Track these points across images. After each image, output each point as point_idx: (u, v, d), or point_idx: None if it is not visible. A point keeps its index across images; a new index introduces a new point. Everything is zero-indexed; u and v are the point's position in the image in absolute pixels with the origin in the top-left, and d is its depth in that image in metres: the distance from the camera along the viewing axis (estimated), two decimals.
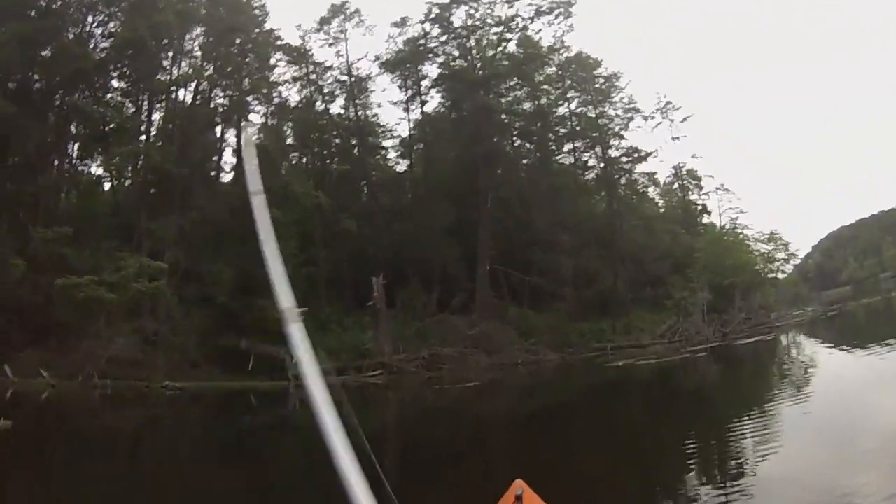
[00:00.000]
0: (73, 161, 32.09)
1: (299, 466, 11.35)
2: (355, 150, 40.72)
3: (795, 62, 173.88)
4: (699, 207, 53.60)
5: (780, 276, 58.50)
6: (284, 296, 2.69)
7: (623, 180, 46.28)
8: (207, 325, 28.00)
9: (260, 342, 26.86)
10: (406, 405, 23.44)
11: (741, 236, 49.86)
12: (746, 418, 10.62)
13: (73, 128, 30.76)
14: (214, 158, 36.72)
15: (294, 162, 40.65)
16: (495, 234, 36.59)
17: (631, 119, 46.10)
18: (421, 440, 13.64)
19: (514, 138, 43.69)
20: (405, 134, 42.74)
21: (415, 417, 19.70)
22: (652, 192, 52.94)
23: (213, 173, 36.67)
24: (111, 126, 30.76)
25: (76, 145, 31.76)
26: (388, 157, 43.62)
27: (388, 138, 42.99)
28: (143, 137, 32.07)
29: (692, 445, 9.14)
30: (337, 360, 28.98)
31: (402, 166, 43.41)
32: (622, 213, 42.05)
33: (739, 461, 7.80)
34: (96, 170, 33.82)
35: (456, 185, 38.11)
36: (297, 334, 2.56)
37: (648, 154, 46.06)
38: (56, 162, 29.77)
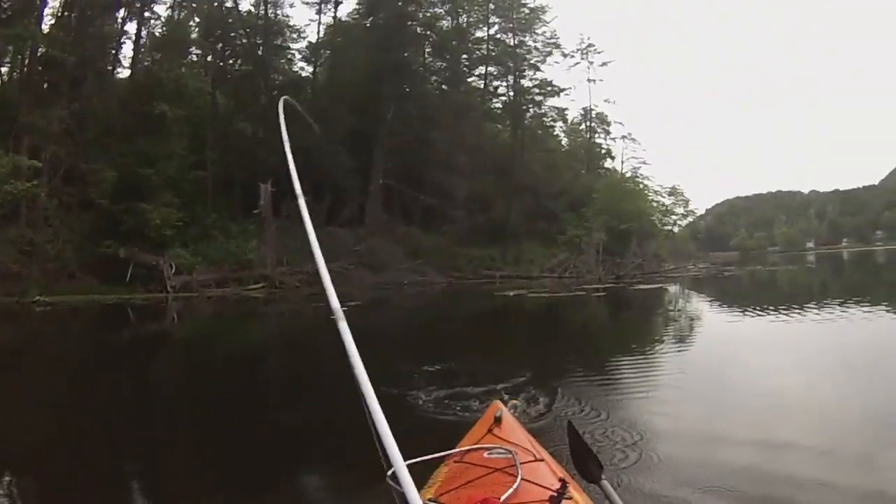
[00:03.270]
0: None
1: (179, 381, 10.91)
2: (259, 51, 38.38)
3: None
4: (603, 151, 54.87)
5: (675, 230, 61.05)
6: (333, 298, 2.48)
7: (531, 112, 45.88)
8: (86, 230, 26.38)
9: (140, 251, 25.85)
10: (286, 320, 22.84)
11: (642, 185, 51.24)
12: (629, 360, 10.64)
13: None
14: (112, 51, 34.14)
15: (196, 59, 38.44)
16: (393, 149, 35.81)
17: (549, 54, 45.61)
18: (297, 361, 13.05)
19: (427, 55, 42.31)
20: (314, 38, 40.73)
21: (295, 334, 18.93)
22: (559, 129, 53.12)
23: (109, 67, 33.99)
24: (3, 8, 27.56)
25: None
26: (294, 60, 41.41)
27: (296, 41, 40.72)
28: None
29: (575, 378, 8.94)
30: (218, 270, 28.23)
31: (306, 72, 41.53)
32: (525, 144, 41.85)
33: (617, 399, 7.74)
34: None
35: (359, 95, 36.67)
36: (346, 333, 2.34)
37: (562, 90, 45.97)
38: None
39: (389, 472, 2.46)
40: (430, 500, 2.65)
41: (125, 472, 5.73)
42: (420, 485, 2.90)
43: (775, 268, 48.33)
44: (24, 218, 24.70)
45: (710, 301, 24.30)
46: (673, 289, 29.84)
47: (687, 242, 72.19)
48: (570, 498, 2.42)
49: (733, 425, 6.21)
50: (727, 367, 9.61)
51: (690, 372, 9.19)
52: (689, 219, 67.60)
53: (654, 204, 52.92)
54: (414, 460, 2.90)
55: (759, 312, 17.31)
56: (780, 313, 15.90)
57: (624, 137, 53.08)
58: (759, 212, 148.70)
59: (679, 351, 11.77)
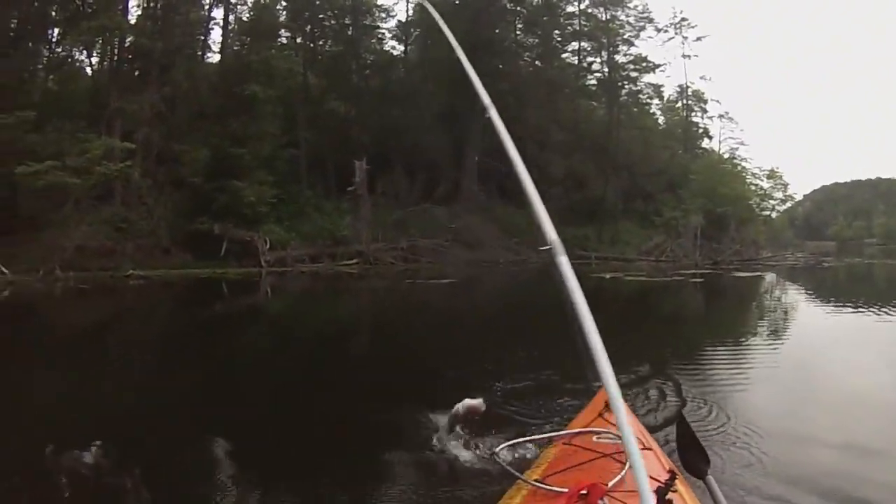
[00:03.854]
0: (53, 47, 29.73)
1: (270, 355, 10.82)
2: (349, 31, 38.30)
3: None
4: (701, 130, 52.45)
5: (773, 215, 58.14)
6: (550, 228, 2.33)
7: (626, 88, 43.93)
8: (180, 208, 26.74)
9: (234, 227, 25.97)
10: (379, 296, 22.42)
11: (739, 168, 48.97)
12: (724, 351, 10.51)
13: (53, 11, 28.37)
14: (200, 37, 34.54)
15: (285, 41, 38.44)
16: (487, 125, 34.55)
17: (643, 28, 43.63)
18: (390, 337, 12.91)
19: (518, 31, 41.20)
20: (403, 17, 40.37)
21: (389, 310, 18.77)
22: (655, 107, 50.85)
23: (198, 53, 34.42)
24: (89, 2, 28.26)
25: (56, 31, 29.26)
26: (384, 39, 40.98)
27: (385, 20, 40.36)
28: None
29: (670, 367, 8.63)
30: (312, 246, 28.16)
31: (397, 51, 41.08)
32: (621, 121, 40.32)
33: (712, 392, 7.40)
34: (79, 55, 31.70)
35: (450, 72, 35.96)
36: (566, 266, 2.18)
37: (657, 66, 43.85)
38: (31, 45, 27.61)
39: (497, 449, 2.80)
40: (536, 480, 2.70)
41: (205, 447, 5.51)
42: (528, 464, 3.15)
43: (873, 261, 45.81)
44: (118, 197, 25.08)
45: (807, 293, 23.17)
46: (769, 278, 28.38)
47: (785, 229, 69.04)
48: (676, 491, 2.35)
49: (828, 424, 5.99)
50: (822, 363, 9.27)
51: (785, 366, 8.98)
52: (788, 204, 64.15)
53: (752, 187, 50.58)
54: (522, 439, 3.21)
55: (856, 308, 16.57)
56: (878, 310, 15.31)
57: (721, 116, 50.88)
58: (858, 200, 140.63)
59: (774, 344, 11.48)
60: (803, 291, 24.02)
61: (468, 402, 5.18)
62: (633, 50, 43.27)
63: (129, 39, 28.40)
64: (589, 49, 43.66)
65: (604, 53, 43.14)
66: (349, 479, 4.85)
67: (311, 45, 38.10)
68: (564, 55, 43.38)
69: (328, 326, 14.94)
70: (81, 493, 4.54)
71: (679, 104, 51.68)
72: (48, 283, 19.01)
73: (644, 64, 43.16)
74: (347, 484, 4.75)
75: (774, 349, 10.78)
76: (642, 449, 2.76)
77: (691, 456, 2.94)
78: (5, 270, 18.52)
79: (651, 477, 2.40)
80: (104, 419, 6.46)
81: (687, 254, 36.15)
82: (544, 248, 2.36)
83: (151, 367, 9.59)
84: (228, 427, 5.94)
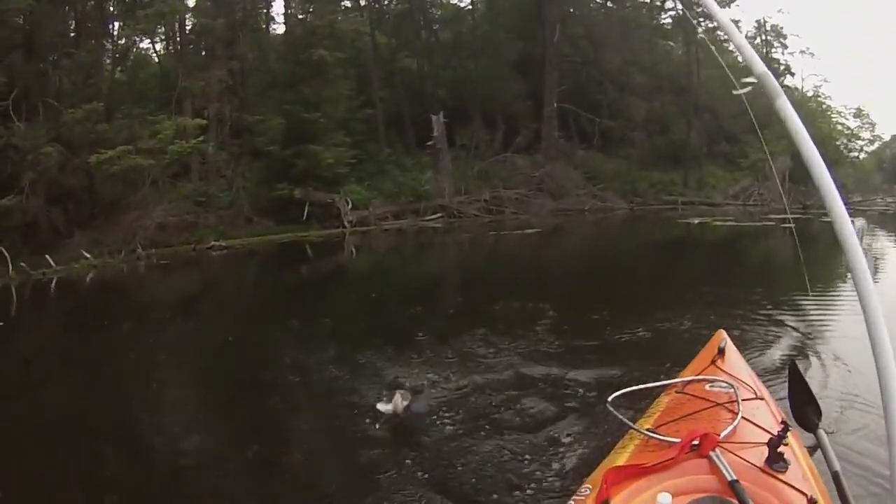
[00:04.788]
0: (116, 39, 29.57)
1: (358, 309, 11.32)
2: None
3: None
4: (782, 67, 49.65)
5: (861, 157, 55.43)
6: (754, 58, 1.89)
7: (702, 26, 41.95)
8: (260, 177, 27.01)
9: (314, 190, 25.98)
10: (465, 249, 22.34)
11: (824, 106, 46.68)
12: (821, 303, 9.78)
13: (111, 6, 28.11)
14: (263, 11, 34.64)
15: (350, 4, 38.04)
16: (563, 71, 33.78)
17: None
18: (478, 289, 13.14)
19: None
20: None
21: (475, 262, 19.09)
22: (733, 45, 48.81)
23: (263, 26, 34.67)
24: None
25: (116, 24, 29.15)
26: None
27: None
28: None
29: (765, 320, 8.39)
30: (394, 203, 28.03)
31: (464, 2, 39.79)
32: (700, 61, 38.62)
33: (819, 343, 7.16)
34: (144, 43, 32.00)
35: (522, 20, 35.18)
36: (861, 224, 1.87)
37: (732, 0, 41.83)
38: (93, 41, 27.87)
39: (610, 398, 2.80)
40: (648, 429, 2.70)
41: (285, 416, 5.76)
42: (641, 412, 3.14)
43: None
44: (196, 172, 25.50)
45: None
46: (860, 223, 26.77)
47: (873, 173, 65.79)
48: (787, 444, 2.31)
49: None
50: None
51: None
52: (875, 145, 61.04)
53: (839, 127, 48.17)
54: (635, 388, 3.08)
55: None
56: None
57: (802, 52, 48.57)
58: None
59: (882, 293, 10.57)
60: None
61: (397, 399, 5.05)
62: None
63: (189, 20, 28.85)
64: None
65: None
66: (464, 429, 4.92)
67: (377, 5, 37.62)
68: None
69: (413, 281, 15.23)
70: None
71: (758, 40, 49.22)
72: (130, 263, 19.30)
73: None
74: (463, 436, 4.81)
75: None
76: (754, 398, 2.88)
77: (803, 408, 2.86)
78: (88, 255, 18.75)
79: (762, 428, 2.52)
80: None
81: (775, 198, 34.61)
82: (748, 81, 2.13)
83: (234, 336, 9.58)
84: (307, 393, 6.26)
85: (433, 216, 27.84)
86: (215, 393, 6.94)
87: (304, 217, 25.79)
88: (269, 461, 4.68)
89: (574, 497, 2.48)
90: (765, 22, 47.56)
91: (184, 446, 5.08)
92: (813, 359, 6.34)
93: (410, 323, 9.36)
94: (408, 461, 4.43)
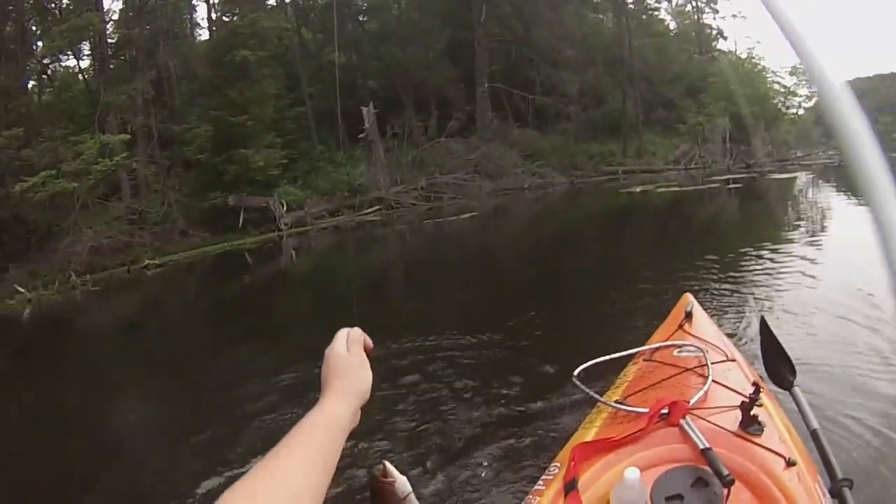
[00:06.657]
0: (38, 59, 29.06)
1: (303, 314, 11.35)
2: None
3: None
4: (714, 31, 50.18)
5: (801, 112, 56.13)
6: None
7: None
8: (191, 188, 26.51)
9: (248, 195, 25.56)
10: (406, 239, 22.07)
11: (759, 67, 47.15)
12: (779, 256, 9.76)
13: (33, 26, 27.91)
14: (187, 16, 34.40)
15: (275, 3, 37.35)
16: (493, 51, 33.71)
17: None
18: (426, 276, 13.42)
19: None
20: None
21: (417, 250, 18.96)
22: (664, 12, 49.02)
23: (187, 32, 34.46)
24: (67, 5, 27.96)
25: (39, 44, 28.62)
26: None
27: None
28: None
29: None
30: (330, 200, 27.63)
31: None
32: (631, 30, 38.68)
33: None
34: (69, 60, 31.02)
35: (448, 3, 34.91)
36: None
37: None
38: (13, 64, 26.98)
39: (576, 373, 2.83)
40: (616, 401, 2.62)
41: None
42: (610, 384, 3.05)
43: None
44: (126, 190, 24.99)
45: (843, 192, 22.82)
46: (805, 178, 27.51)
47: (812, 128, 67.01)
48: (762, 405, 2.24)
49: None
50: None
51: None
52: (813, 101, 61.88)
53: (776, 86, 48.70)
54: (600, 359, 2.97)
55: None
56: None
57: (734, 16, 49.00)
58: (883, 93, 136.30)
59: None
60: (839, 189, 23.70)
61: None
62: None
63: (110, 34, 28.32)
64: None
65: None
66: (427, 417, 4.97)
67: (301, 1, 37.10)
68: None
69: (355, 279, 14.84)
70: None
71: (688, 7, 49.79)
72: (65, 293, 18.63)
73: None
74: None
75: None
76: (725, 360, 2.81)
77: (777, 366, 2.74)
78: (21, 290, 18.09)
79: (735, 391, 2.43)
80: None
81: (717, 159, 34.86)
82: None
83: (179, 354, 9.38)
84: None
85: (370, 210, 27.43)
86: (167, 416, 6.64)
87: (241, 224, 25.28)
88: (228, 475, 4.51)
89: (543, 477, 2.36)
90: None
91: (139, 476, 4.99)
92: (780, 312, 6.34)
93: (357, 322, 9.09)
94: (369, 449, 4.40)
